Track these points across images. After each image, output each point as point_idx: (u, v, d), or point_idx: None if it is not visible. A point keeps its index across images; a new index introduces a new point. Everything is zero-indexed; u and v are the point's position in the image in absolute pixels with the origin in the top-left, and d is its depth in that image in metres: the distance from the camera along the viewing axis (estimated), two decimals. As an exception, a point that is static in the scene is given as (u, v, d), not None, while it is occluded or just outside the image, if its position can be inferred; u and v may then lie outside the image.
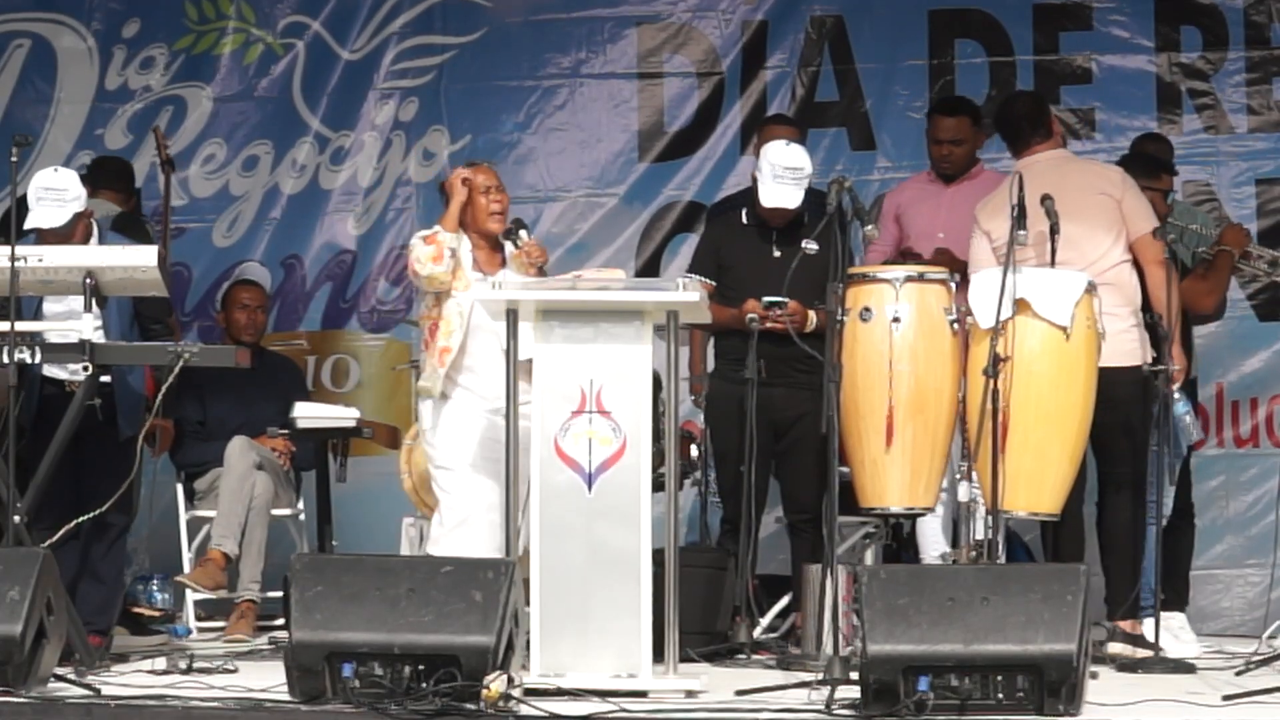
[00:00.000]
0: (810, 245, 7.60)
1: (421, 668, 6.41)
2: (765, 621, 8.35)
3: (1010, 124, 8.24)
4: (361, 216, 10.09)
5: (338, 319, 10.10)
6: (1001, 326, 7.40)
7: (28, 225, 7.49)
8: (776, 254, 8.17)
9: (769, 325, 8.01)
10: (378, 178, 10.10)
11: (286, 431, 8.97)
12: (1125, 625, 7.79)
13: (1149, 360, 7.77)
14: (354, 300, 10.09)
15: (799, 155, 8.18)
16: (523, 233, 7.67)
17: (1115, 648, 7.73)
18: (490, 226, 7.72)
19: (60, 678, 6.79)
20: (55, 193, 7.57)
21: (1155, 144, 9.00)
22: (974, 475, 7.56)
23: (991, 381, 7.37)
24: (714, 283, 8.18)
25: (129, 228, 8.77)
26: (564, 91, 10.03)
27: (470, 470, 7.50)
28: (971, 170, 8.88)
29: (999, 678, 6.29)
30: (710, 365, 8.59)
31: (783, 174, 8.11)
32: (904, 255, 8.64)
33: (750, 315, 8.00)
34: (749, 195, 8.39)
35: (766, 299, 8.00)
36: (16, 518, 7.15)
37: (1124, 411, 7.78)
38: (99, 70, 10.17)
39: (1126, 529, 7.86)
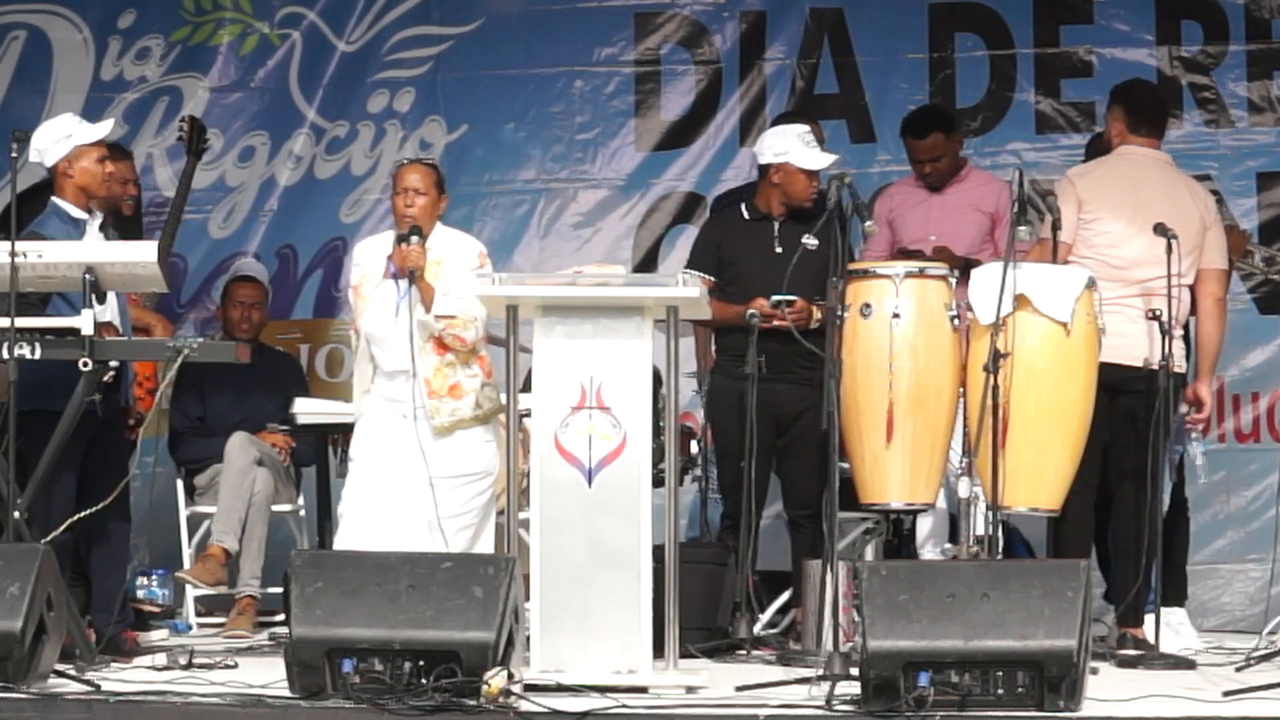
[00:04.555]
0: (810, 241, 7.58)
1: (422, 663, 6.41)
2: (765, 617, 8.35)
3: (1144, 106, 8.04)
4: (354, 205, 10.07)
5: (329, 308, 10.08)
6: (1002, 322, 7.39)
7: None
8: (778, 249, 8.15)
9: (772, 323, 7.99)
10: (372, 166, 10.08)
11: (287, 427, 8.95)
12: (1136, 633, 7.76)
13: (1156, 359, 7.73)
14: (346, 290, 10.05)
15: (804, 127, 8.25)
16: (414, 238, 7.52)
17: (1126, 653, 7.70)
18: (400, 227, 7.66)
19: (60, 673, 6.78)
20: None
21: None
22: (974, 471, 7.56)
23: (992, 377, 7.37)
24: (714, 279, 8.17)
25: (127, 223, 8.74)
26: (561, 81, 10.01)
27: None
28: (960, 173, 8.85)
29: (999, 673, 6.27)
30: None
31: (808, 139, 8.14)
32: (903, 254, 8.61)
33: (751, 312, 7.99)
34: (751, 189, 8.37)
35: (775, 297, 7.98)
36: (16, 513, 7.15)
37: (1130, 412, 7.76)
38: (94, 61, 10.13)
39: (1130, 531, 7.82)
